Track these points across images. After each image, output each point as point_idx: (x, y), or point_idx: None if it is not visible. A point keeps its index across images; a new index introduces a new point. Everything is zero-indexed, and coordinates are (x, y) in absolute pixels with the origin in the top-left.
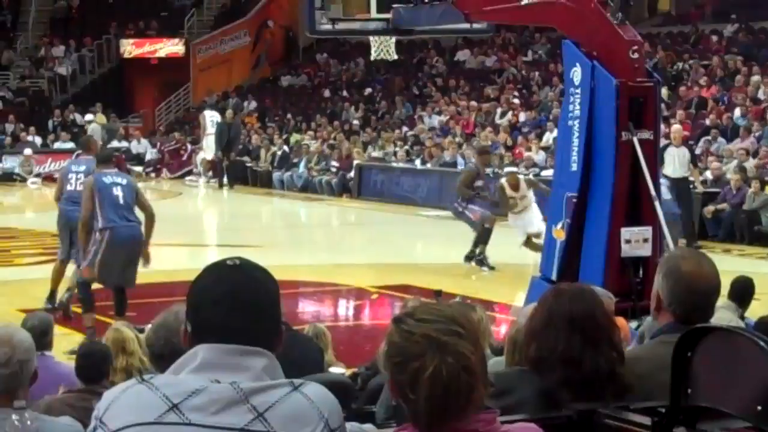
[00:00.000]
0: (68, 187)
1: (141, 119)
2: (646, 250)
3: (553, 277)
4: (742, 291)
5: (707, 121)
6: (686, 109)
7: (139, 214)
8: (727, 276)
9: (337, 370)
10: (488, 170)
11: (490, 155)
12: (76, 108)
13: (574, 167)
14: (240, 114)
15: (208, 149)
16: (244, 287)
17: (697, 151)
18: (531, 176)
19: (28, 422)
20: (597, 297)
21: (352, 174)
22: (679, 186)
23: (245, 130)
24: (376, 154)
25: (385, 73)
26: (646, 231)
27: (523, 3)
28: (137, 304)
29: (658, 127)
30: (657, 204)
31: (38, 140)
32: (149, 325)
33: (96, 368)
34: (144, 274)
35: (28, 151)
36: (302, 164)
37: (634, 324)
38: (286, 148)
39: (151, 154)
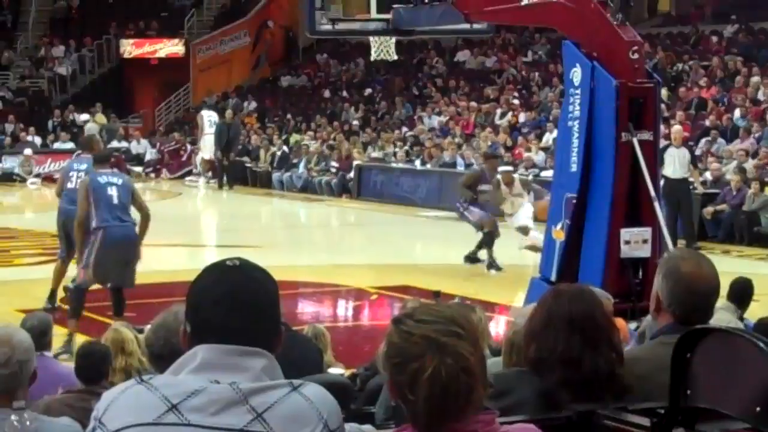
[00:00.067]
0: (68, 185)
1: (141, 119)
2: (645, 251)
3: (553, 277)
4: (741, 292)
5: (707, 122)
6: (686, 110)
7: (136, 214)
8: (727, 277)
9: (337, 370)
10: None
11: (497, 159)
12: (76, 108)
13: (574, 168)
14: (240, 114)
15: (206, 149)
16: (244, 288)
17: (698, 152)
18: (530, 177)
19: (27, 422)
20: (596, 298)
21: (351, 174)
22: (679, 187)
23: (245, 130)
24: (375, 154)
25: (385, 74)
26: (646, 232)
27: (523, 3)
28: (136, 305)
29: (658, 127)
30: (657, 205)
31: (38, 140)
32: (148, 326)
33: (95, 368)
34: (144, 275)
35: (27, 151)
36: (302, 165)
37: (633, 325)
38: (285, 148)
39: (150, 154)
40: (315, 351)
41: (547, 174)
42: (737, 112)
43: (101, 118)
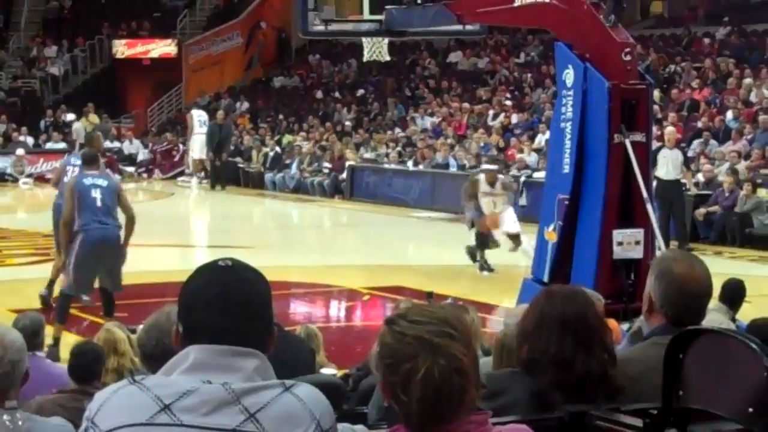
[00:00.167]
0: (65, 179)
1: (133, 120)
2: (638, 252)
3: (545, 278)
4: (733, 293)
5: (699, 124)
6: (678, 112)
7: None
8: (719, 278)
9: (329, 371)
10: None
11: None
12: (69, 108)
13: (567, 169)
14: (232, 115)
15: (195, 149)
16: (236, 288)
17: (692, 154)
18: (522, 178)
19: (20, 422)
20: (589, 299)
21: (344, 175)
22: (672, 188)
23: (237, 131)
24: (368, 155)
25: (378, 75)
26: (638, 233)
27: (515, 5)
28: (129, 305)
29: (651, 129)
30: (649, 206)
31: (30, 140)
32: (141, 326)
33: (88, 368)
34: (136, 275)
35: (20, 151)
36: (294, 165)
37: (625, 326)
38: (278, 149)
39: (143, 154)
40: (307, 351)
41: (540, 175)
42: (729, 114)
43: (94, 118)
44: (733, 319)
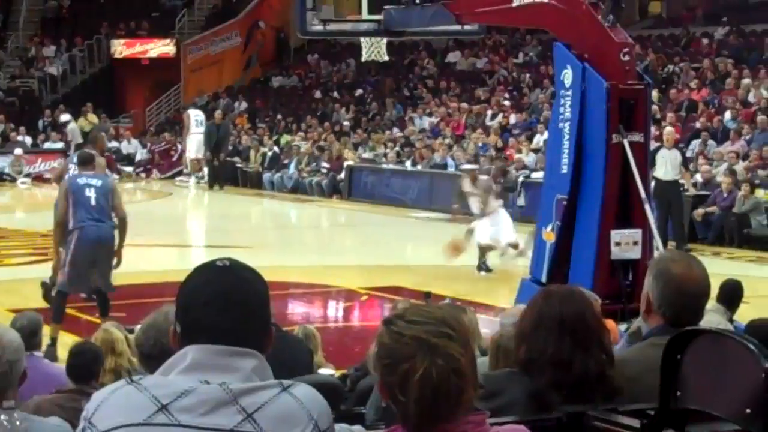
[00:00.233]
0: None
1: (131, 119)
2: (635, 253)
3: (543, 279)
4: (731, 294)
5: (697, 124)
6: (676, 112)
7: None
8: (717, 279)
9: (327, 371)
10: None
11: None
12: (67, 108)
13: (565, 169)
14: (230, 115)
15: (192, 148)
16: (234, 288)
17: (690, 154)
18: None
19: (17, 422)
20: (587, 299)
21: (342, 175)
22: (670, 189)
23: (235, 130)
24: (366, 155)
25: (376, 75)
26: (636, 233)
27: (514, 5)
28: (127, 305)
29: (649, 129)
30: (647, 207)
31: (28, 140)
32: (139, 326)
33: (87, 368)
34: (134, 275)
35: (18, 150)
36: (292, 165)
37: (623, 326)
38: (276, 149)
39: (141, 154)
40: (305, 352)
41: (538, 175)
42: (728, 114)
43: (92, 117)
44: (731, 320)
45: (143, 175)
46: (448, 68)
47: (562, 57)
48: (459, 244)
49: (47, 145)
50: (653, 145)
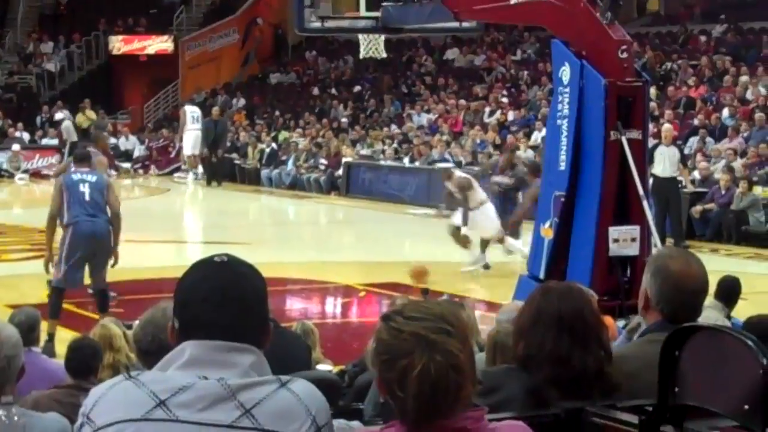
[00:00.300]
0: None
1: (129, 116)
2: (633, 250)
3: (541, 275)
4: (729, 290)
5: (695, 121)
6: (674, 109)
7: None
8: (715, 276)
9: (325, 367)
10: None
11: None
12: (65, 104)
13: (563, 166)
14: (228, 111)
15: (188, 144)
16: (232, 284)
17: (688, 151)
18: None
19: (15, 417)
20: (585, 295)
21: (340, 172)
22: (668, 185)
23: (233, 127)
24: (364, 152)
25: (374, 72)
26: (634, 230)
27: (512, 2)
28: (125, 301)
29: (647, 126)
30: (645, 203)
31: (26, 136)
32: (137, 322)
33: (85, 363)
34: (132, 271)
35: (15, 147)
36: (290, 162)
37: (621, 323)
38: (274, 145)
39: (139, 150)
40: (303, 348)
41: None
42: (726, 112)
43: (90, 114)
44: (729, 317)
45: (141, 171)
46: (446, 65)
47: (560, 54)
48: (421, 270)
49: (45, 142)
50: (651, 142)
